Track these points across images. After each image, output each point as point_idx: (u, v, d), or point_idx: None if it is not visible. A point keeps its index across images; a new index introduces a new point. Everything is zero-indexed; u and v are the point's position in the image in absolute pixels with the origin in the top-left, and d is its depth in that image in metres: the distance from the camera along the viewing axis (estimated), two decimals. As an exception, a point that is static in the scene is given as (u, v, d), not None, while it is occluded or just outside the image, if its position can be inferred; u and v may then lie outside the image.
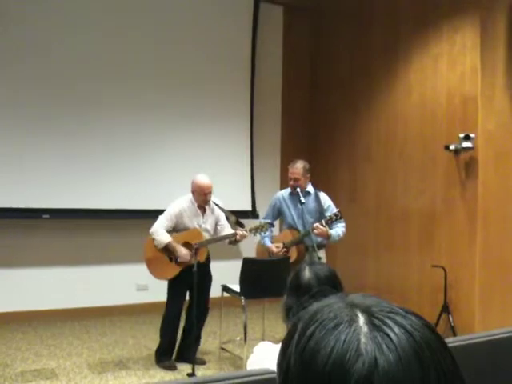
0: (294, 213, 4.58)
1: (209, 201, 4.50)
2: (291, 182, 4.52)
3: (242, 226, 4.51)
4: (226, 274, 5.09)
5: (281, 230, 5.11)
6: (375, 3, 6.30)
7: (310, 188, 4.60)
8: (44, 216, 5.67)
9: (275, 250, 4.57)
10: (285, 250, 4.55)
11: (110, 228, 6.01)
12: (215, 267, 5.54)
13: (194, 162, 5.94)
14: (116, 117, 6.10)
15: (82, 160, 5.90)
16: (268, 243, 4.66)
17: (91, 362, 4.57)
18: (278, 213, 4.74)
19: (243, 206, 6.57)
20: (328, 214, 4.42)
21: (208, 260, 4.58)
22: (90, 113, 5.96)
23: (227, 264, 5.96)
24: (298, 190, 4.45)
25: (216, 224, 4.63)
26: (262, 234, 4.62)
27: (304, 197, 4.45)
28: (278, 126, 7.30)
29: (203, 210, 4.54)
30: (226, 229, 4.65)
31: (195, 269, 4.15)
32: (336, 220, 4.34)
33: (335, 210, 4.41)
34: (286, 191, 4.68)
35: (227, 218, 4.65)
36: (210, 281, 4.58)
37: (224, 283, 4.70)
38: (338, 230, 4.47)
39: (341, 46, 6.86)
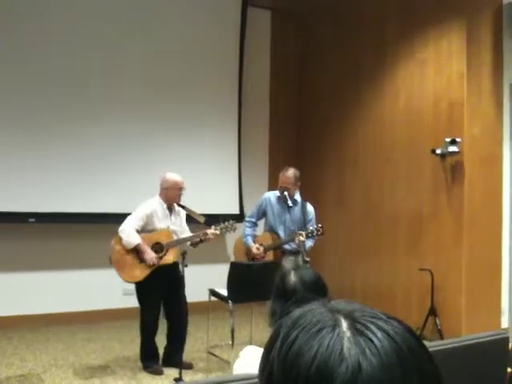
0: (276, 217, 4.63)
1: (181, 197, 4.50)
2: (282, 191, 4.56)
3: (210, 225, 4.53)
4: (213, 278, 5.08)
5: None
6: (362, 9, 6.34)
7: (297, 196, 4.65)
8: (30, 220, 5.63)
9: (255, 251, 4.62)
10: (263, 250, 4.62)
11: (96, 232, 5.96)
12: (202, 271, 5.52)
13: (181, 166, 5.90)
14: (103, 122, 6.06)
15: (67, 164, 5.86)
16: (250, 242, 4.73)
17: (77, 368, 4.54)
18: (262, 213, 4.79)
19: (231, 210, 6.56)
20: (309, 226, 4.50)
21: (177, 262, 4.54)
22: (76, 118, 5.92)
23: (215, 268, 5.96)
24: (286, 193, 4.48)
25: (180, 226, 4.64)
26: (231, 232, 4.67)
27: (292, 203, 4.52)
28: (266, 129, 7.31)
29: (170, 212, 4.54)
30: (186, 232, 4.66)
31: (182, 272, 4.14)
32: (316, 235, 4.43)
33: (316, 226, 4.49)
34: (275, 194, 4.73)
35: (193, 218, 4.63)
36: (182, 281, 4.51)
37: (211, 287, 4.69)
38: (310, 242, 4.55)
39: (328, 51, 6.89)
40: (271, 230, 4.69)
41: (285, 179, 4.56)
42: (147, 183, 6.06)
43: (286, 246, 4.56)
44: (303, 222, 4.51)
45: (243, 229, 4.87)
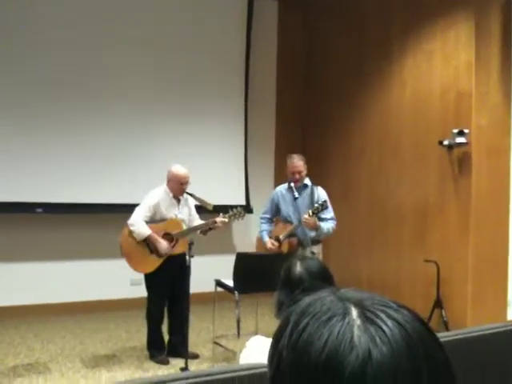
0: (289, 207, 4.61)
1: (185, 191, 4.50)
2: (296, 176, 4.54)
3: (218, 213, 4.53)
4: (219, 269, 5.08)
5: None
6: (370, -2, 6.30)
7: (307, 181, 4.64)
8: (37, 210, 5.65)
9: (269, 245, 4.60)
10: (278, 245, 4.58)
11: (103, 222, 5.99)
12: (209, 262, 5.51)
13: (188, 158, 5.89)
14: (109, 114, 6.07)
15: (75, 155, 5.87)
16: (266, 237, 4.70)
17: (84, 357, 4.57)
18: (276, 208, 4.77)
19: (237, 201, 6.55)
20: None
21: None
22: (82, 110, 5.92)
23: (221, 258, 5.97)
24: (292, 185, 4.48)
25: (189, 214, 4.64)
26: (240, 220, 4.69)
27: (301, 189, 4.53)
28: (273, 121, 7.30)
29: (178, 201, 4.54)
30: (196, 220, 4.66)
31: (189, 263, 4.15)
32: (322, 210, 4.36)
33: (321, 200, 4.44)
34: (285, 186, 4.73)
35: (203, 206, 4.62)
36: (189, 272, 4.51)
37: (218, 278, 4.70)
38: (328, 224, 4.51)
39: (335, 42, 6.85)
40: (286, 220, 4.67)
41: (296, 165, 4.56)
42: (154, 174, 6.08)
43: (302, 236, 4.51)
44: (313, 205, 4.50)
45: (259, 225, 4.86)
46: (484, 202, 5.02)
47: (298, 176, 4.54)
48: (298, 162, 4.57)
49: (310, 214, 4.33)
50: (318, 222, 4.40)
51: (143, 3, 6.23)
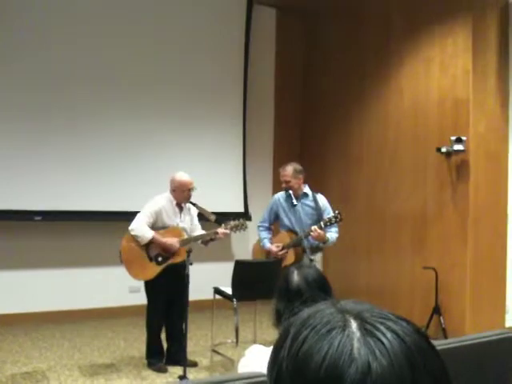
0: (291, 215, 4.58)
1: (190, 197, 4.50)
2: (283, 185, 4.55)
3: (220, 224, 4.51)
4: (218, 276, 5.08)
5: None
6: (367, 6, 6.33)
7: (307, 189, 4.62)
8: (36, 218, 5.64)
9: (275, 249, 4.57)
10: (285, 251, 4.56)
11: (102, 230, 5.98)
12: (207, 269, 5.49)
13: (186, 165, 5.90)
14: (108, 120, 6.08)
15: (74, 162, 5.87)
16: (267, 245, 4.68)
17: (82, 365, 4.55)
18: (275, 216, 4.74)
19: (236, 209, 6.57)
20: (326, 215, 4.43)
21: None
22: (82, 116, 5.93)
23: (219, 266, 5.96)
24: (290, 192, 4.47)
25: (191, 224, 4.63)
26: (242, 231, 4.64)
27: (301, 198, 4.50)
28: (271, 128, 7.31)
29: (180, 209, 4.54)
30: (198, 229, 4.65)
31: (188, 271, 4.14)
32: (335, 222, 4.35)
33: (333, 213, 4.40)
34: (283, 194, 4.69)
35: (205, 217, 4.61)
36: (188, 280, 4.40)
37: (216, 285, 4.69)
38: (333, 234, 4.48)
39: (333, 49, 6.88)
40: (288, 229, 4.64)
41: (284, 172, 4.56)
42: (154, 182, 6.09)
43: (306, 244, 4.40)
44: (318, 215, 4.47)
45: (258, 234, 4.83)
46: (482, 208, 5.03)
47: (284, 185, 4.54)
48: (283, 172, 4.57)
49: (322, 226, 4.29)
50: (326, 235, 4.39)
51: (143, 11, 6.24)
